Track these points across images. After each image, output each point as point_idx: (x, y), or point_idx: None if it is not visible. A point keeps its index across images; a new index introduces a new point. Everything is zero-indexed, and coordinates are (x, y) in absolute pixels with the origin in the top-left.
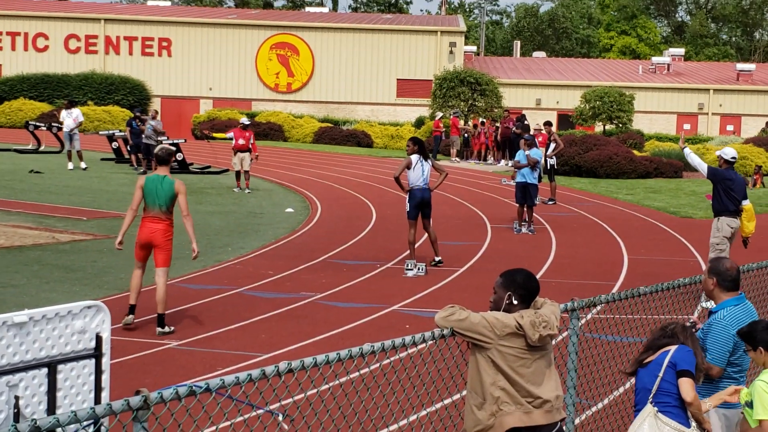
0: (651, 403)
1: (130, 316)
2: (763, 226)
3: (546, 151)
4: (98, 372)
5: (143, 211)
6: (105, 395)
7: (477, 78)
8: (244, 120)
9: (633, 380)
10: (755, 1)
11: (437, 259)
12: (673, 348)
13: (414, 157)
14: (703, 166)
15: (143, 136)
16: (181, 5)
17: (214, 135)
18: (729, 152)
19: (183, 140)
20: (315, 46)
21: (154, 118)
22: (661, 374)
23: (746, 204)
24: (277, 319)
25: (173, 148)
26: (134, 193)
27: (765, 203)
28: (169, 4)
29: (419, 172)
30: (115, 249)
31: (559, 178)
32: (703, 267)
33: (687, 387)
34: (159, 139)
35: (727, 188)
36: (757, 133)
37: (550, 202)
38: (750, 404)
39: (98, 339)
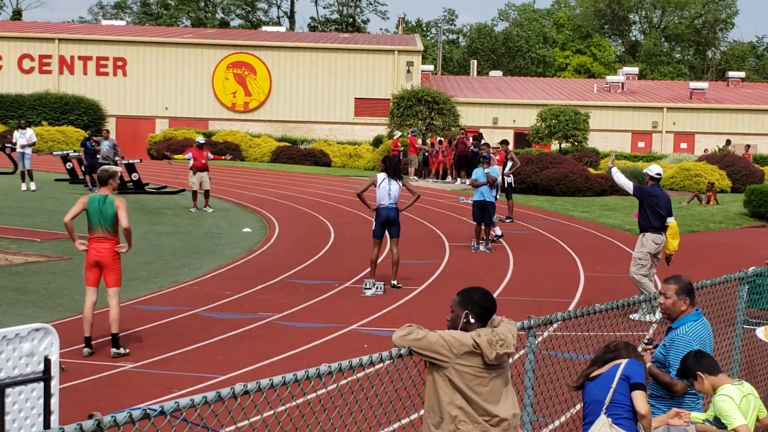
0: (605, 413)
1: (87, 349)
2: (720, 242)
3: (503, 169)
4: (47, 395)
5: (89, 232)
6: (54, 419)
7: (434, 97)
8: (200, 139)
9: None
10: (708, 21)
11: (393, 282)
12: (623, 361)
13: (380, 176)
14: (628, 185)
15: (99, 156)
16: (136, 24)
17: (174, 156)
18: (654, 169)
19: (138, 160)
20: (272, 65)
21: (107, 138)
22: (614, 386)
23: (671, 221)
24: (234, 340)
25: (116, 169)
26: (73, 207)
27: (719, 220)
28: (124, 23)
29: (384, 191)
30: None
31: (516, 196)
32: (659, 285)
33: (641, 400)
34: (116, 159)
35: (653, 205)
36: (711, 150)
37: (508, 220)
38: (714, 421)
39: (47, 362)
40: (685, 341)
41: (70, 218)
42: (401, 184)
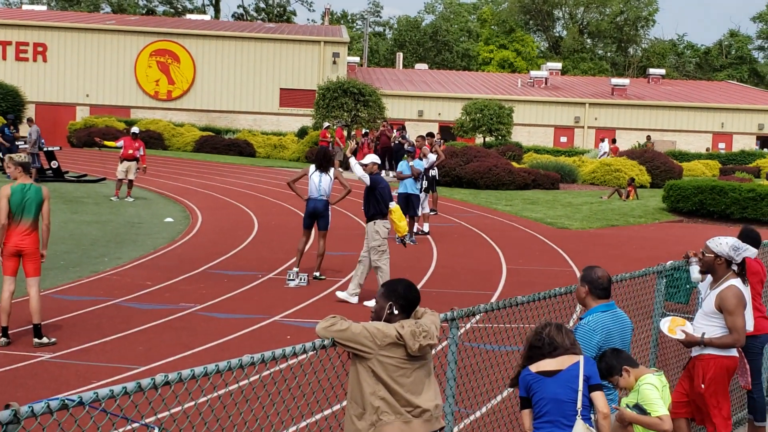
0: (581, 418)
1: (3, 339)
2: (639, 237)
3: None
4: None
5: (8, 221)
6: None
7: (360, 89)
8: (135, 129)
9: (511, 389)
10: (629, 18)
11: (315, 274)
12: (580, 359)
13: (311, 168)
14: (366, 177)
15: (27, 143)
16: (57, 10)
17: (105, 143)
18: (372, 158)
19: (58, 147)
20: (196, 53)
21: (31, 125)
22: (581, 389)
23: (393, 206)
24: (155, 330)
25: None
26: (1, 205)
27: (638, 214)
28: (45, 8)
29: (313, 183)
30: None
31: (440, 189)
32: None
33: (603, 401)
34: (41, 146)
35: (381, 193)
36: (632, 146)
37: (431, 213)
38: (634, 408)
39: None
40: (585, 330)
41: (5, 218)
42: (332, 177)
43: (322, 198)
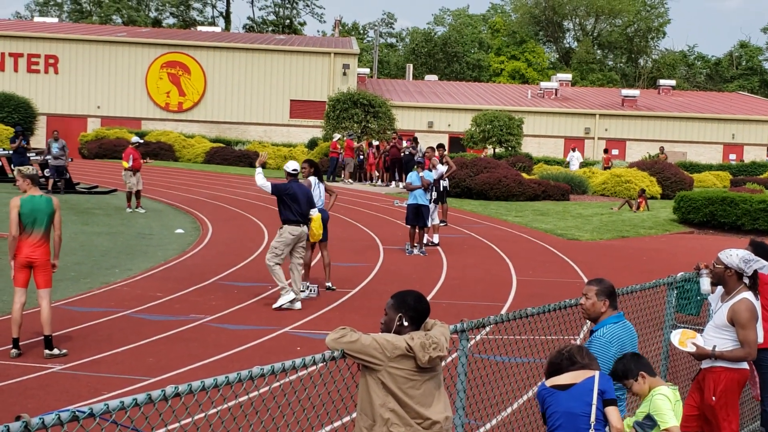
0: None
1: (14, 350)
2: (649, 248)
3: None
4: None
5: (20, 234)
6: None
7: (370, 100)
8: (139, 139)
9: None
10: (640, 29)
11: (328, 284)
12: (596, 375)
13: (312, 180)
14: (267, 185)
15: (50, 157)
16: (68, 22)
17: (124, 165)
18: (291, 165)
19: (70, 159)
20: (207, 65)
21: (57, 139)
22: (595, 402)
23: (314, 215)
24: (165, 342)
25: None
26: (11, 216)
27: (649, 226)
28: (56, 20)
29: (316, 195)
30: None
31: (450, 200)
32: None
33: (617, 415)
34: (68, 159)
35: (290, 200)
36: (642, 157)
37: (441, 224)
38: (645, 419)
39: None
40: (601, 343)
41: (17, 230)
42: (324, 186)
43: (322, 208)
